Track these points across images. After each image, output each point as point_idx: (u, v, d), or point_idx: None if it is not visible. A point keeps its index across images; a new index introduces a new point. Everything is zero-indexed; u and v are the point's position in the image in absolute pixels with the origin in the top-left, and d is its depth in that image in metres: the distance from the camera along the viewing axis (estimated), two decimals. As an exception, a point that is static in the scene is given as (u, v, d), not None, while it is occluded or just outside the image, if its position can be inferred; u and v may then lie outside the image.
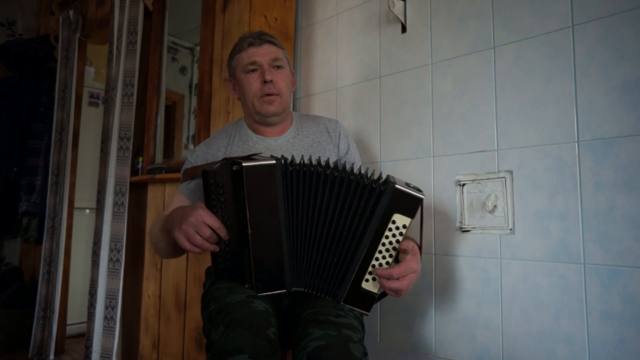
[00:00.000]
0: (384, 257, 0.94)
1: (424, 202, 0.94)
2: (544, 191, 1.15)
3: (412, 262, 0.93)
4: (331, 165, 0.97)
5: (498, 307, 1.21)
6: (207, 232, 0.95)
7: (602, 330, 1.04)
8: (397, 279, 0.92)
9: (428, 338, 1.34)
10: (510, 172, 1.22)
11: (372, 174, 0.96)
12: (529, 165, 1.18)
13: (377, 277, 0.94)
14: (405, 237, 0.95)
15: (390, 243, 0.93)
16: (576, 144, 1.11)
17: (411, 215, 0.91)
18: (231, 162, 0.96)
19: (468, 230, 1.28)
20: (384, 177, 0.94)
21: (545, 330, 1.12)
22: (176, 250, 1.15)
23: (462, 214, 1.30)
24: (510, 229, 1.20)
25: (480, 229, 1.26)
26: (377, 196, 0.92)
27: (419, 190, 0.92)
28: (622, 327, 1.02)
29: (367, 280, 0.95)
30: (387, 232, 0.92)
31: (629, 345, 1.00)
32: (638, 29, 1.05)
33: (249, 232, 0.95)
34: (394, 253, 0.93)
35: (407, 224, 0.92)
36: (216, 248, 0.97)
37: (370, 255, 0.94)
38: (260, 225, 0.96)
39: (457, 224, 1.31)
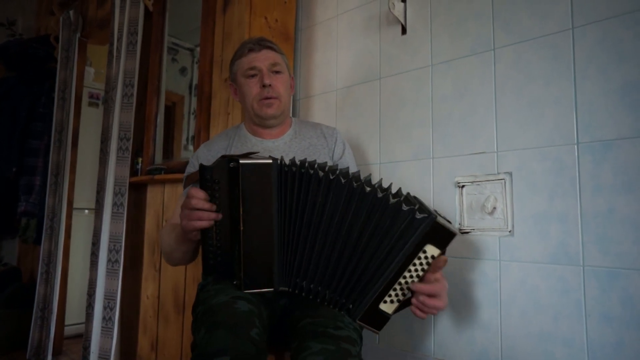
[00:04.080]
0: (406, 283, 0.92)
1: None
2: (543, 193, 1.15)
3: (444, 281, 0.94)
4: (326, 167, 0.95)
5: (497, 309, 1.21)
6: (200, 203, 0.96)
7: (601, 332, 1.04)
8: (434, 295, 0.91)
9: (427, 340, 1.34)
10: (510, 173, 1.22)
11: (387, 186, 0.93)
12: (529, 167, 1.18)
13: (404, 291, 0.92)
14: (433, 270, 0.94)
15: (416, 270, 0.91)
16: (575, 146, 1.12)
17: (443, 247, 0.90)
18: (228, 159, 0.97)
19: (467, 232, 1.28)
20: (403, 194, 0.92)
21: (544, 332, 1.12)
22: (194, 252, 1.20)
23: (461, 216, 1.30)
24: (510, 231, 1.20)
25: (479, 230, 1.26)
26: (410, 222, 0.89)
27: (450, 222, 0.92)
28: (621, 330, 1.02)
29: (385, 302, 0.93)
30: (415, 260, 0.91)
31: (627, 348, 1.00)
32: (637, 32, 1.05)
33: (241, 228, 0.96)
34: (417, 280, 0.92)
35: (436, 255, 0.90)
36: (218, 216, 0.97)
37: (395, 280, 0.92)
38: (252, 222, 0.96)
39: (457, 226, 1.31)
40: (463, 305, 1.27)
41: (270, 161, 0.97)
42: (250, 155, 1.00)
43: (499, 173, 1.24)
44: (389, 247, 0.91)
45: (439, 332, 1.31)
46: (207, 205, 0.96)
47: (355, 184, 0.92)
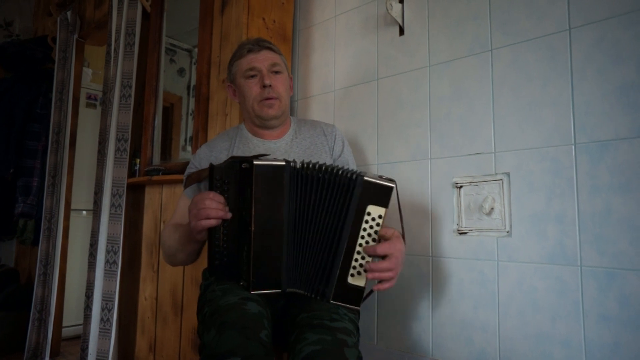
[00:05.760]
0: (365, 250, 0.95)
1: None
2: (541, 193, 1.16)
3: (395, 242, 0.95)
4: (327, 169, 0.98)
5: (495, 310, 1.21)
6: (209, 202, 0.96)
7: (598, 332, 1.04)
8: (383, 257, 0.93)
9: (425, 340, 1.34)
10: (508, 174, 1.22)
11: (352, 172, 0.97)
12: (526, 167, 1.19)
13: (364, 263, 0.95)
14: (384, 227, 0.97)
15: (369, 235, 0.95)
16: (573, 147, 1.12)
17: (385, 204, 0.94)
18: (240, 160, 0.98)
19: (465, 233, 1.29)
20: (358, 172, 0.97)
21: (542, 333, 1.12)
22: (197, 253, 1.20)
23: (459, 216, 1.30)
24: (507, 231, 1.20)
25: (477, 231, 1.26)
26: (350, 191, 0.94)
27: (391, 180, 0.95)
28: (618, 330, 1.02)
29: (352, 275, 0.96)
30: (364, 225, 0.94)
31: (625, 348, 1.01)
32: (634, 32, 1.05)
33: (252, 229, 0.96)
34: (374, 244, 0.95)
35: (383, 214, 0.94)
36: (227, 214, 0.97)
37: (351, 249, 0.95)
38: (263, 223, 0.97)
39: (454, 226, 1.31)
40: (461, 306, 1.27)
41: (284, 163, 0.98)
42: (261, 157, 1.01)
43: (496, 173, 1.24)
44: (341, 221, 0.95)
45: (437, 333, 1.31)
46: (220, 205, 0.97)
47: (336, 179, 0.96)
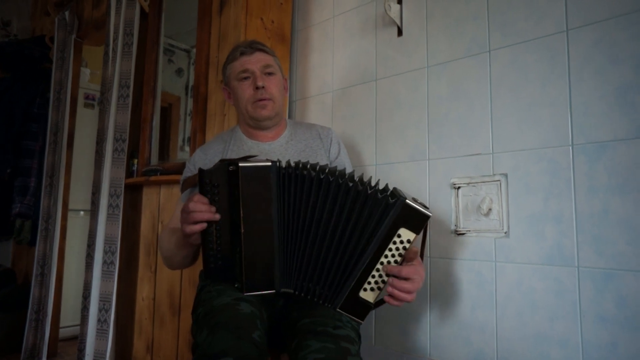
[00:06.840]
0: (385, 269, 0.94)
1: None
2: (539, 194, 1.16)
3: (419, 268, 0.94)
4: (325, 169, 0.98)
5: (493, 310, 1.21)
6: (199, 206, 0.96)
7: (595, 333, 1.04)
8: (406, 279, 0.92)
9: (423, 341, 1.34)
10: (505, 175, 1.22)
11: (377, 183, 0.96)
12: (524, 168, 1.19)
13: (383, 277, 0.94)
14: (410, 249, 0.96)
15: (393, 256, 0.93)
16: (570, 148, 1.12)
17: (417, 231, 0.92)
18: (228, 163, 0.98)
19: (463, 233, 1.29)
20: (390, 188, 0.95)
21: (539, 333, 1.12)
22: (194, 256, 1.20)
23: (457, 217, 1.30)
24: (505, 232, 1.21)
25: (475, 232, 1.26)
26: (384, 208, 0.92)
27: (426, 207, 0.93)
28: (616, 331, 1.02)
29: (365, 290, 0.95)
30: (391, 245, 0.93)
31: (622, 349, 1.01)
32: (632, 33, 1.05)
33: (242, 230, 0.96)
34: (398, 265, 0.94)
35: (412, 239, 0.93)
36: (215, 216, 0.97)
37: (372, 266, 0.94)
38: (253, 224, 0.97)
39: (452, 227, 1.31)
40: (459, 307, 1.27)
41: (269, 164, 0.98)
42: (249, 159, 1.01)
43: (494, 174, 1.24)
44: (367, 235, 0.94)
45: (435, 333, 1.31)
46: (205, 207, 0.97)
47: (350, 183, 0.95)
